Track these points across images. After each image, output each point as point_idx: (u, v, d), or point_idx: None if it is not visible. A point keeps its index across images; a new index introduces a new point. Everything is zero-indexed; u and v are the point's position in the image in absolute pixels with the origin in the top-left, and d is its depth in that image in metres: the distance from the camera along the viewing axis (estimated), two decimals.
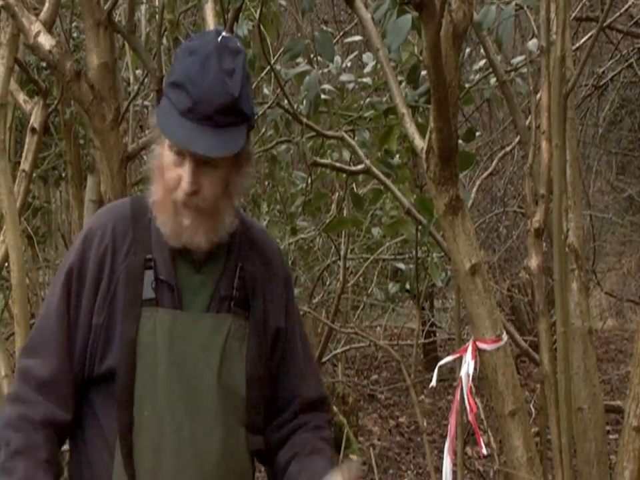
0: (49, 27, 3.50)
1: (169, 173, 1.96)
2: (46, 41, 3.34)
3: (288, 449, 2.12)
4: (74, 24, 5.59)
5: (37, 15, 3.48)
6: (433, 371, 3.17)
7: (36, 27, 3.38)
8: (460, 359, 2.97)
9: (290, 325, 2.14)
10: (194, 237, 1.97)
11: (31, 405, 1.97)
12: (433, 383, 3.22)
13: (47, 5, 3.59)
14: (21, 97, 4.18)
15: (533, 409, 5.04)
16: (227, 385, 2.00)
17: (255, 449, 2.08)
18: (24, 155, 4.04)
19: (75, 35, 5.69)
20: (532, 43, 3.87)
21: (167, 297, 2.00)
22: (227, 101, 1.91)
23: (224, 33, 1.96)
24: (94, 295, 2.00)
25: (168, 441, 1.94)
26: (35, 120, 4.04)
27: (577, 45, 4.41)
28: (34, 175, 4.10)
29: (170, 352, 1.96)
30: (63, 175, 6.56)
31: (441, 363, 3.17)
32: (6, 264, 3.68)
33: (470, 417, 2.96)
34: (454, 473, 3.17)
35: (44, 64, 5.21)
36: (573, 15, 4.43)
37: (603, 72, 7.02)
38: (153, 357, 1.96)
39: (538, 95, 3.32)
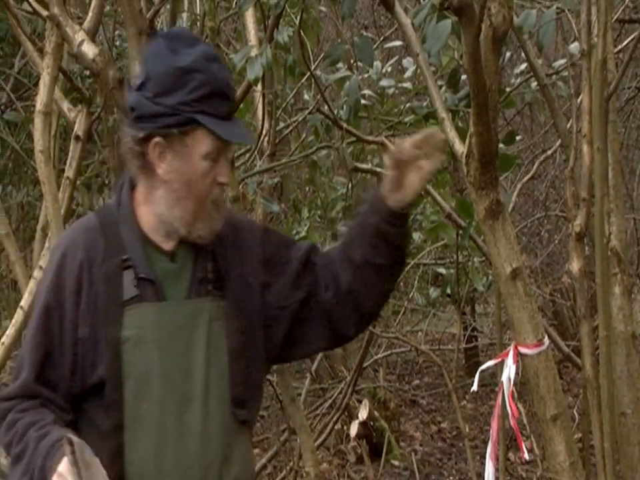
0: (92, 35, 3.55)
1: (203, 181, 2.02)
2: (89, 50, 3.39)
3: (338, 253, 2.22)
4: (117, 32, 5.65)
5: (80, 24, 3.54)
6: (474, 376, 3.16)
7: (79, 35, 3.43)
8: (501, 364, 2.96)
9: (278, 259, 2.18)
10: (211, 226, 2.06)
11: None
12: (475, 387, 3.21)
13: (90, 14, 3.64)
14: (65, 105, 4.23)
15: (575, 414, 5.01)
16: (214, 364, 2.04)
17: (242, 419, 2.09)
18: (68, 162, 4.09)
19: (117, 43, 5.75)
20: (573, 46, 3.85)
21: (149, 292, 2.03)
22: (232, 95, 2.08)
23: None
24: (76, 311, 2.01)
25: (170, 428, 1.99)
26: (78, 128, 4.09)
27: (619, 47, 4.38)
28: (78, 182, 4.15)
29: (159, 342, 2.00)
30: (106, 182, 6.62)
31: (483, 367, 3.16)
32: None
33: (512, 422, 2.94)
34: (496, 478, 3.16)
35: (87, 72, 5.26)
36: (615, 16, 4.39)
37: None
38: (144, 351, 2.00)
39: (579, 98, 3.30)
